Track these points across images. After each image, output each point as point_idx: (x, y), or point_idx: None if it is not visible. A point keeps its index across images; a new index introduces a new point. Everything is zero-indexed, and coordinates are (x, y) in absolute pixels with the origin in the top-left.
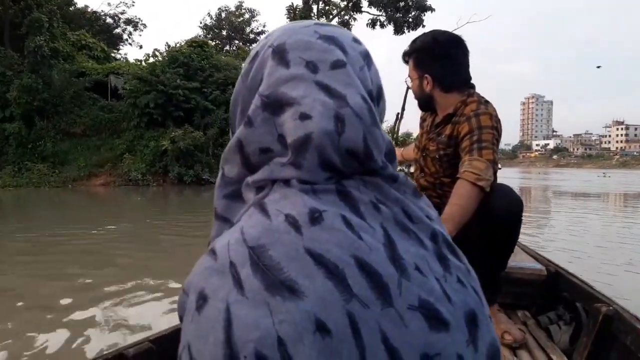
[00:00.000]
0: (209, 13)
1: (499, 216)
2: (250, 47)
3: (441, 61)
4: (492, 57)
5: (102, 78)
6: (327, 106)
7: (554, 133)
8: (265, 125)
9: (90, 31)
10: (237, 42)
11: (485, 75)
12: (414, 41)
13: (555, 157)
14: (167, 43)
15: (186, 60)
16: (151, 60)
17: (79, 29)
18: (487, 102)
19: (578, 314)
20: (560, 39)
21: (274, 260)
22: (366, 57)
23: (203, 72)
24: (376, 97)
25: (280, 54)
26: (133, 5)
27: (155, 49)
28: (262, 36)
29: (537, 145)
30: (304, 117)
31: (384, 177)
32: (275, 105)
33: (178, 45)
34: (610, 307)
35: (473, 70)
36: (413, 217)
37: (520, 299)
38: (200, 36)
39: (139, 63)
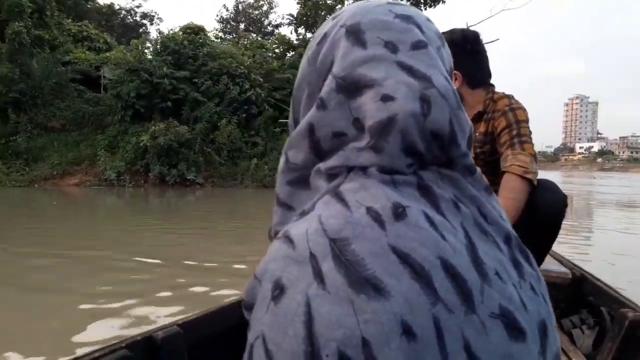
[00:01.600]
0: (224, 5)
1: (543, 211)
2: (267, 39)
3: (471, 57)
4: (532, 55)
5: (91, 70)
6: (412, 87)
7: (599, 135)
8: (339, 108)
9: (105, 26)
10: (254, 35)
11: (525, 74)
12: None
13: (599, 160)
14: (158, 29)
15: (177, 48)
16: (140, 48)
17: (87, 20)
18: (512, 97)
19: (602, 319)
20: (605, 37)
21: (357, 256)
22: (440, 37)
23: (195, 60)
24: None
25: (355, 34)
26: None
27: (144, 33)
28: (329, 18)
29: (580, 147)
30: (387, 98)
31: (462, 168)
32: (351, 88)
33: (171, 32)
34: (637, 313)
35: (512, 68)
36: (488, 217)
37: None
38: (217, 30)
39: (126, 50)
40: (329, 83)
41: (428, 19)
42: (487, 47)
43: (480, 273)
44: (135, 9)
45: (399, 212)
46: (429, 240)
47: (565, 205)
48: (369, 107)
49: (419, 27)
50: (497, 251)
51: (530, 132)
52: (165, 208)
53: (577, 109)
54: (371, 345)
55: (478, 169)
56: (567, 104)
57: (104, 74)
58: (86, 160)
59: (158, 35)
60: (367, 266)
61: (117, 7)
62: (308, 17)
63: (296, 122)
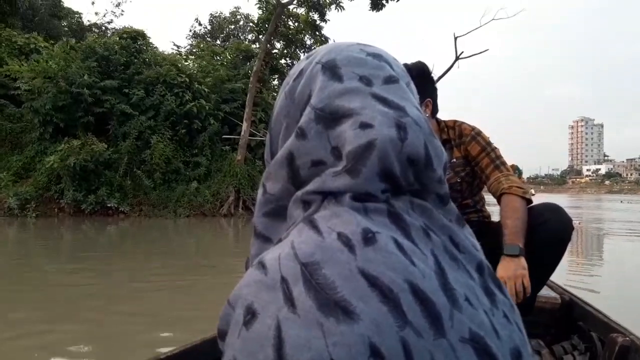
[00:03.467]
0: (197, 19)
1: (550, 234)
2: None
3: (433, 85)
4: (535, 79)
5: (9, 81)
6: (388, 115)
7: (606, 158)
8: (318, 137)
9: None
10: (209, 40)
11: (530, 98)
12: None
13: (607, 182)
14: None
15: (106, 54)
16: (64, 52)
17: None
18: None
19: (593, 344)
20: (608, 59)
21: (327, 279)
22: (408, 74)
23: (127, 68)
24: None
25: (331, 69)
26: (122, 14)
27: (69, 40)
28: (303, 57)
29: (587, 170)
30: (365, 125)
31: (434, 198)
32: (330, 118)
33: (105, 37)
34: (627, 338)
35: (517, 91)
36: (460, 246)
37: (534, 327)
38: (190, 46)
39: (45, 58)
40: (308, 114)
41: (395, 59)
42: (477, 57)
43: (449, 298)
44: (106, 25)
45: (369, 237)
46: (398, 265)
47: (572, 228)
48: (348, 135)
49: (389, 64)
50: (467, 278)
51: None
52: (64, 247)
53: (582, 131)
54: None
55: (450, 201)
56: (572, 127)
57: (18, 84)
58: None
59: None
60: (337, 289)
61: (87, 23)
62: (268, 23)
63: (273, 155)
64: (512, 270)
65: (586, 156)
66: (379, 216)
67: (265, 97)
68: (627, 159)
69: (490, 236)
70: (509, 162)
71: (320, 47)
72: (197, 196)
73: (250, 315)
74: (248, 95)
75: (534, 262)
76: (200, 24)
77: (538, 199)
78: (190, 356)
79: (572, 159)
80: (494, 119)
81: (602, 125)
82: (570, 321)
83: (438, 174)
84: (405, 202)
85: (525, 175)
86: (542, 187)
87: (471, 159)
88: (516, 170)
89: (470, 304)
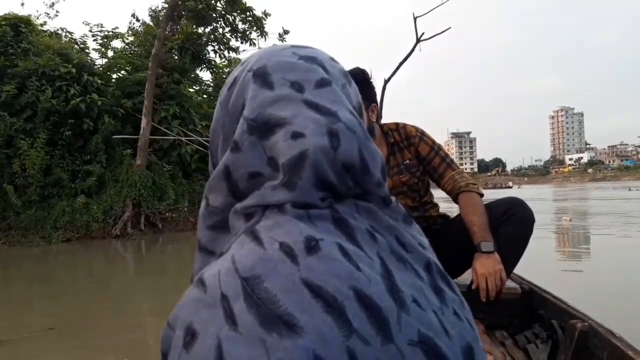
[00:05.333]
0: (134, 15)
1: (517, 227)
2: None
3: (374, 90)
4: (514, 74)
5: None
6: (319, 123)
7: (587, 146)
8: (253, 149)
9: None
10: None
11: (509, 92)
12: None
13: (590, 170)
14: None
15: None
16: None
17: None
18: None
19: (554, 332)
20: (584, 48)
21: (269, 293)
22: (345, 75)
23: None
24: (358, 114)
25: (262, 76)
26: (57, 16)
27: None
28: (238, 64)
29: (570, 159)
30: (297, 135)
31: (377, 199)
32: (263, 128)
33: None
34: (585, 323)
35: (497, 86)
36: (407, 245)
37: (496, 318)
38: (133, 45)
39: None
40: (241, 125)
41: (332, 58)
42: (449, 47)
43: (397, 301)
44: (39, 27)
45: (312, 245)
46: (343, 271)
47: (534, 221)
48: (281, 145)
49: (323, 66)
50: (415, 279)
51: None
52: None
53: (562, 120)
54: None
55: (394, 200)
56: (552, 117)
57: None
58: None
59: None
60: (279, 303)
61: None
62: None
63: (215, 166)
64: (491, 266)
65: (568, 145)
66: (323, 222)
67: (183, 89)
68: (609, 146)
69: (454, 227)
70: (493, 156)
71: (255, 52)
72: (82, 214)
73: (190, 336)
74: (147, 85)
75: (502, 255)
76: (138, 20)
77: (523, 191)
78: None
79: (554, 149)
80: (473, 114)
81: (582, 114)
82: (531, 310)
83: (376, 177)
84: (349, 205)
85: (509, 168)
86: (526, 178)
87: (422, 159)
88: (500, 163)
89: (418, 305)
